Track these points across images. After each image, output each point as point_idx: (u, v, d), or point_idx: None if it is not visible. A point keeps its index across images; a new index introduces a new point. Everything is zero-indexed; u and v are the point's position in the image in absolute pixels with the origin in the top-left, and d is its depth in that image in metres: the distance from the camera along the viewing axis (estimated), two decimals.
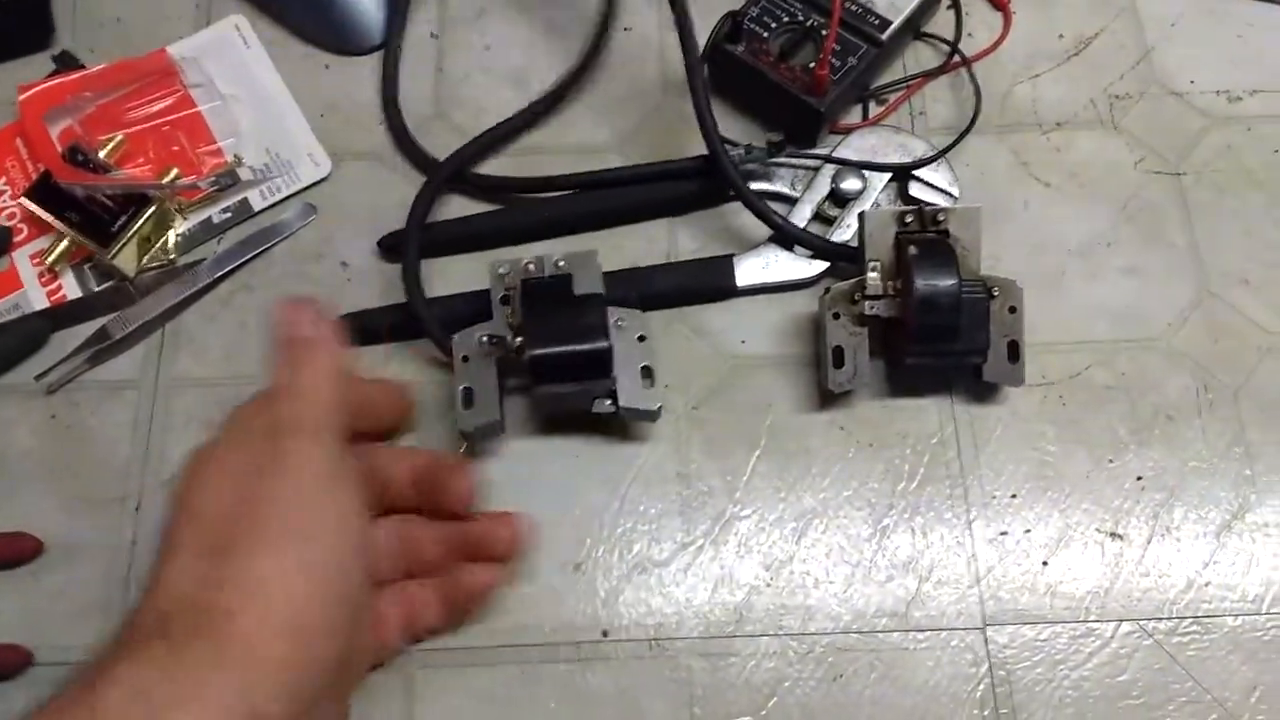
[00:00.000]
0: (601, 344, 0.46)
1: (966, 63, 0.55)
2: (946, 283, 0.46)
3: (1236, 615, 0.47)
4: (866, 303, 0.48)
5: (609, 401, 0.47)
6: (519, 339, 0.47)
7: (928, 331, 0.47)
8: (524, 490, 0.49)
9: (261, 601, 0.36)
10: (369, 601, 0.43)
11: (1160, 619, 0.47)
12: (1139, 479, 0.49)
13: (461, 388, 0.47)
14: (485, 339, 0.48)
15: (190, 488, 0.40)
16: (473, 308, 0.50)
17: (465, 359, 0.48)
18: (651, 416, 0.48)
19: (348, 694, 0.43)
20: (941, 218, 0.48)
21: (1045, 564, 0.48)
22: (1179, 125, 0.56)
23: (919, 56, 0.58)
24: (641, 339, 0.48)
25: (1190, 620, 0.47)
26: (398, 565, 0.45)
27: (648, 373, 0.48)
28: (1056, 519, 0.49)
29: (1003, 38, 0.57)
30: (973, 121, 0.54)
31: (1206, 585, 0.47)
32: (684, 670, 0.46)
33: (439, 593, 0.45)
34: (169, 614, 0.36)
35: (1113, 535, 0.48)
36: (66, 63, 0.57)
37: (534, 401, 0.49)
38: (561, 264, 0.49)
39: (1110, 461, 0.49)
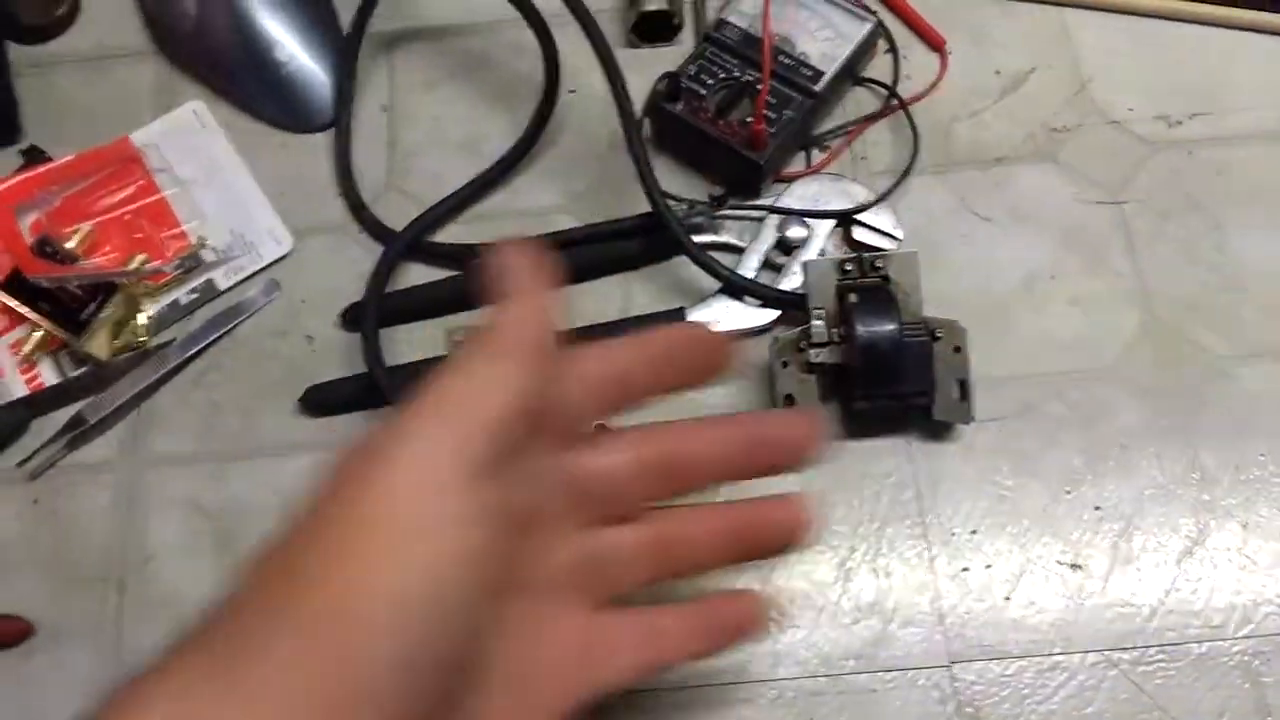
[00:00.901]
0: None
1: (904, 105, 0.57)
2: (886, 328, 0.47)
3: (1201, 641, 0.47)
4: (812, 351, 0.49)
5: None
6: None
7: (872, 376, 0.47)
8: None
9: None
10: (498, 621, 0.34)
11: (1125, 649, 0.47)
12: (1097, 509, 0.50)
13: None
14: None
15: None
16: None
17: None
18: None
19: None
20: (880, 264, 0.49)
21: (1008, 598, 0.48)
22: (1119, 154, 0.57)
23: (860, 101, 0.59)
24: None
25: (1155, 649, 0.47)
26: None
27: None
28: (1017, 553, 0.49)
29: (940, 78, 0.58)
30: (911, 164, 0.55)
31: (1170, 613, 0.48)
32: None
33: (689, 619, 0.39)
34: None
35: (1073, 566, 0.49)
36: (34, 157, 0.59)
37: None
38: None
39: (1067, 493, 0.50)
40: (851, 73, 0.57)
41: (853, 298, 0.48)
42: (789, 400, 0.49)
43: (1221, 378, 0.52)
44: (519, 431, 0.33)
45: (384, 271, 0.54)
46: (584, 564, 0.37)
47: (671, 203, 0.52)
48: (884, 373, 0.47)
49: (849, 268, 0.49)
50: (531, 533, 0.35)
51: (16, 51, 0.63)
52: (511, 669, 0.35)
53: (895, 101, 0.57)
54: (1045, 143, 0.57)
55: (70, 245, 0.55)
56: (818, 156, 0.57)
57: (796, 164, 0.57)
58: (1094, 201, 0.56)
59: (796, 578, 0.49)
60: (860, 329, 0.47)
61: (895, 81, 0.58)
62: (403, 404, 0.32)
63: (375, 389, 0.52)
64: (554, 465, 0.36)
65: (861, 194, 0.54)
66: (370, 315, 0.53)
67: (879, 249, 0.53)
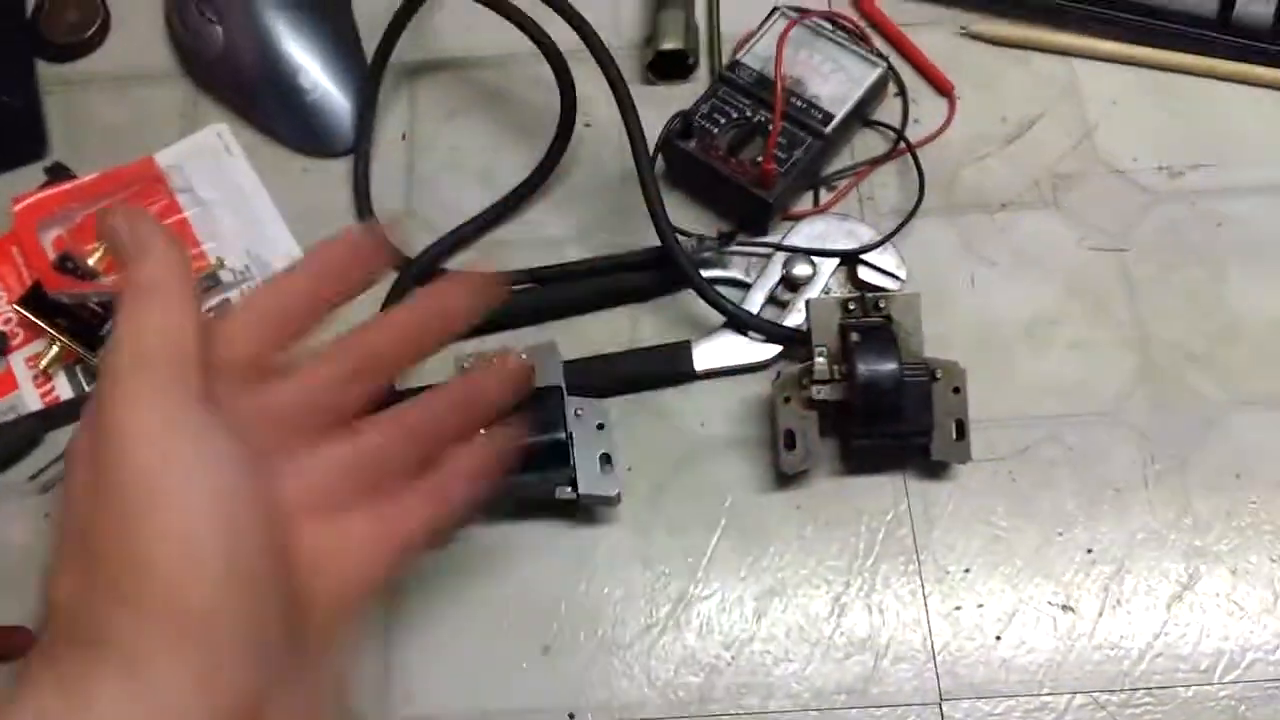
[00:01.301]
0: (559, 435, 0.48)
1: (911, 149, 0.58)
2: (887, 367, 0.48)
3: (1189, 685, 0.48)
4: (814, 387, 0.50)
5: (569, 489, 0.49)
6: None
7: (872, 414, 0.48)
8: (490, 575, 0.51)
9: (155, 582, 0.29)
10: (287, 543, 0.33)
11: (1114, 691, 0.48)
12: (1089, 551, 0.50)
13: None
14: None
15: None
16: None
17: None
18: (611, 502, 0.50)
19: (321, 649, 0.34)
20: (883, 304, 0.50)
21: (999, 638, 0.49)
22: (1122, 202, 0.58)
23: (868, 143, 0.60)
24: (600, 427, 0.50)
25: (1143, 691, 0.48)
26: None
27: (607, 459, 0.50)
28: (1009, 593, 0.50)
29: (948, 123, 0.59)
30: (916, 206, 0.56)
31: (1158, 656, 0.48)
32: None
33: (417, 494, 0.38)
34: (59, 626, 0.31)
35: (1064, 608, 0.49)
36: (58, 174, 0.60)
37: (498, 490, 0.51)
38: (524, 356, 0.52)
39: (1060, 535, 0.51)
40: (861, 115, 0.58)
41: (855, 336, 0.48)
42: (789, 436, 0.50)
43: (1217, 425, 0.53)
44: (211, 361, 0.33)
45: (397, 297, 0.55)
46: (325, 477, 0.36)
47: (680, 237, 0.53)
48: (884, 411, 0.48)
49: (852, 307, 0.50)
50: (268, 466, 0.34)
51: (45, 70, 0.64)
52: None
53: (903, 144, 0.58)
54: (1049, 189, 0.58)
55: (91, 262, 0.57)
56: (825, 196, 0.58)
57: (804, 203, 0.58)
58: (1097, 248, 0.57)
59: (791, 611, 0.50)
60: (861, 367, 0.48)
61: (904, 125, 0.59)
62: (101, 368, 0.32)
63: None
64: (253, 401, 0.35)
65: (867, 234, 0.55)
66: None
67: (882, 289, 0.54)
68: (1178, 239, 0.57)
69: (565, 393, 0.50)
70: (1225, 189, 0.58)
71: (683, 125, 0.56)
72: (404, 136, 0.62)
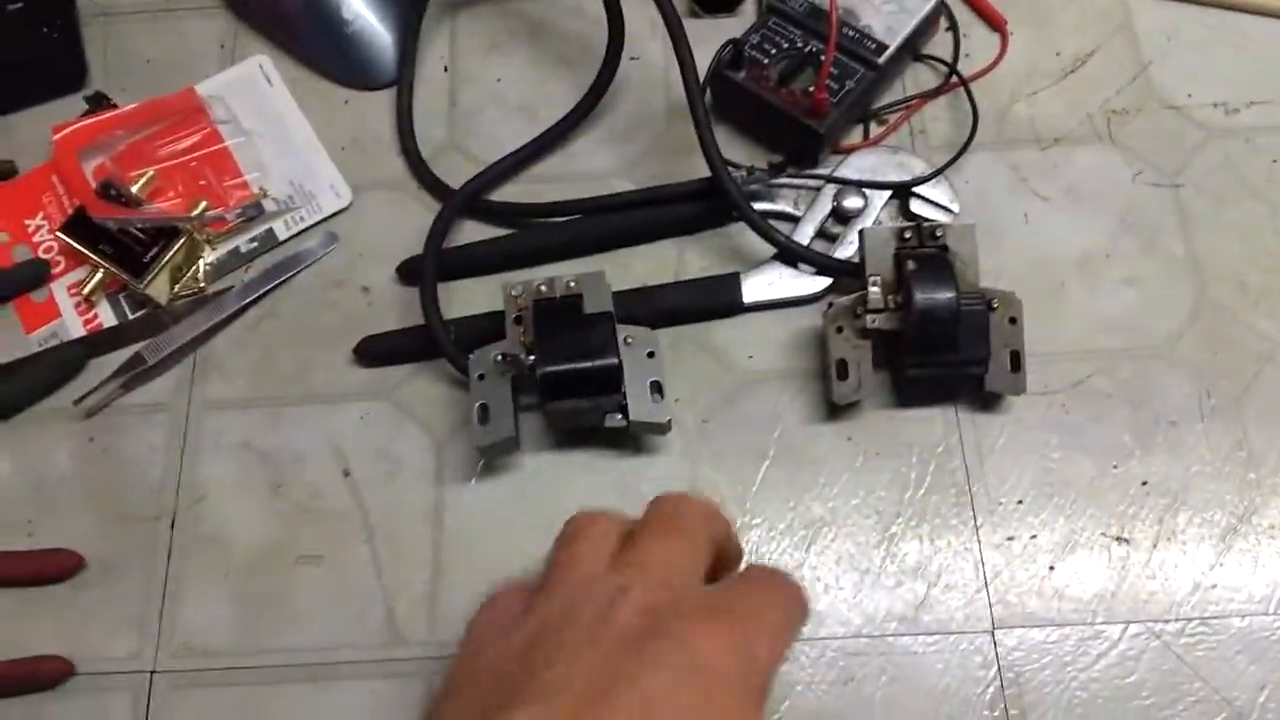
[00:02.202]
0: (610, 360, 0.48)
1: (964, 82, 0.57)
2: (944, 296, 0.47)
3: (1243, 616, 0.47)
4: (868, 317, 0.49)
5: (620, 416, 0.49)
6: (531, 357, 0.49)
7: (927, 343, 0.48)
8: (540, 504, 0.51)
9: None
10: None
11: (1168, 621, 0.47)
12: (1144, 484, 0.50)
13: (477, 405, 0.49)
14: (499, 357, 0.50)
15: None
16: (488, 328, 0.52)
17: (481, 377, 0.50)
18: (661, 430, 0.50)
19: None
20: (939, 233, 0.49)
21: (1052, 568, 0.49)
22: (1176, 138, 0.57)
23: (918, 77, 0.59)
24: (650, 355, 0.50)
25: (1198, 621, 0.47)
26: None
27: (657, 387, 0.49)
28: (1062, 524, 0.49)
29: (1000, 57, 0.58)
30: (969, 140, 0.55)
31: (1213, 587, 0.48)
32: None
33: None
34: None
35: (1119, 539, 0.49)
36: (99, 103, 0.59)
37: (548, 418, 0.51)
38: (572, 284, 0.51)
39: (1115, 468, 0.50)
40: (912, 48, 0.57)
41: (911, 265, 0.48)
42: (842, 366, 0.50)
43: (1271, 362, 0.52)
44: None
45: (442, 227, 0.55)
46: None
47: (730, 169, 0.53)
48: (939, 340, 0.48)
49: (908, 235, 0.49)
50: None
51: (84, 1, 0.64)
52: None
53: (955, 78, 0.57)
54: (1103, 124, 0.57)
55: (134, 189, 0.56)
56: (875, 130, 0.57)
57: (854, 137, 0.57)
58: (1151, 184, 0.56)
59: (841, 539, 0.50)
60: (918, 295, 0.47)
61: (955, 59, 0.58)
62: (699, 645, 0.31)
63: (429, 342, 0.53)
64: None
65: (919, 167, 0.55)
66: (429, 270, 0.53)
67: (935, 221, 0.53)
68: (1233, 175, 0.56)
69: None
70: None
71: (733, 55, 0.55)
72: (445, 69, 0.61)
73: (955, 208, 0.54)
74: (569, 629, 0.31)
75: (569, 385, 0.48)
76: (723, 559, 0.37)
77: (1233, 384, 0.52)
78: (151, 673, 0.49)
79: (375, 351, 0.54)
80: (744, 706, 0.30)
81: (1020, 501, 0.50)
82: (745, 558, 0.40)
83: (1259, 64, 0.59)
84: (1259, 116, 0.57)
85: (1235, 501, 0.49)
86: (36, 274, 0.56)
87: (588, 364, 0.48)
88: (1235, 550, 0.49)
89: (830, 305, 0.50)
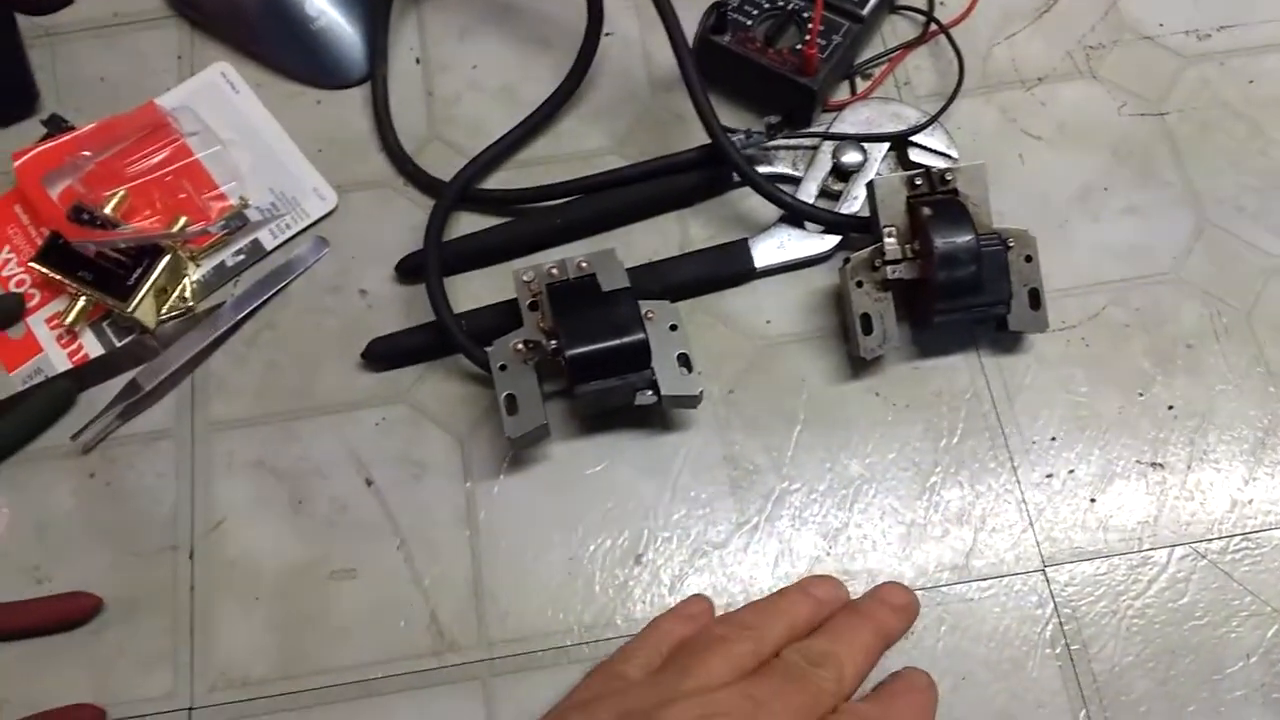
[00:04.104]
0: (638, 336, 0.47)
1: (944, 29, 0.57)
2: (964, 238, 0.47)
3: None
4: (887, 268, 0.49)
5: (650, 393, 0.48)
6: (554, 341, 0.47)
7: (952, 288, 0.48)
8: (574, 491, 0.49)
9: None
10: None
11: (1211, 539, 0.48)
12: (1170, 408, 0.50)
13: (504, 395, 0.48)
14: (521, 345, 0.48)
15: None
16: (498, 319, 0.51)
17: (503, 367, 0.48)
18: (693, 403, 0.49)
19: None
20: (950, 177, 0.49)
21: (1093, 500, 0.49)
22: (1155, 68, 0.58)
23: (896, 29, 0.59)
24: (674, 328, 0.49)
25: (1240, 537, 0.48)
26: None
27: (684, 360, 0.48)
28: (1098, 456, 0.50)
29: (975, 2, 0.58)
30: (959, 85, 0.56)
31: (1250, 502, 0.49)
32: None
33: None
34: None
35: (1154, 465, 0.49)
36: (57, 125, 0.57)
37: (574, 403, 0.50)
38: (584, 264, 0.50)
39: (1140, 395, 0.51)
40: (890, 1, 0.57)
41: (926, 211, 0.48)
42: (866, 319, 0.49)
43: (1275, 276, 0.53)
44: None
45: (440, 219, 0.53)
46: None
47: (727, 134, 0.52)
48: (963, 284, 0.47)
49: (918, 183, 0.49)
50: None
51: (26, 22, 0.60)
52: None
53: (934, 26, 0.57)
54: (1083, 60, 0.58)
55: (107, 210, 0.53)
56: (861, 85, 0.57)
57: (840, 94, 0.57)
58: (1137, 114, 0.57)
59: (882, 495, 0.49)
60: (938, 241, 0.47)
61: (932, 6, 0.58)
62: None
63: (442, 338, 0.51)
64: None
65: (914, 115, 0.55)
66: (433, 264, 0.52)
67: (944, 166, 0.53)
68: (1213, 98, 0.57)
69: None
70: (1253, 47, 0.58)
71: (717, 20, 0.54)
72: (418, 61, 0.60)
73: (954, 153, 0.54)
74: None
75: (598, 365, 0.47)
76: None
77: (1240, 301, 0.52)
78: (190, 709, 0.46)
79: (385, 353, 0.52)
80: None
81: (1054, 438, 0.50)
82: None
83: None
84: (1229, 40, 0.59)
85: (1259, 416, 0.50)
86: (11, 309, 0.53)
87: (616, 342, 0.46)
88: (1266, 464, 0.49)
89: (847, 260, 0.50)
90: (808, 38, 0.53)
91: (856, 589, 0.48)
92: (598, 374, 0.47)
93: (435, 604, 0.48)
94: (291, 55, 0.59)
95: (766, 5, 0.55)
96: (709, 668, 0.41)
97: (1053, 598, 0.47)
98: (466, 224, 0.56)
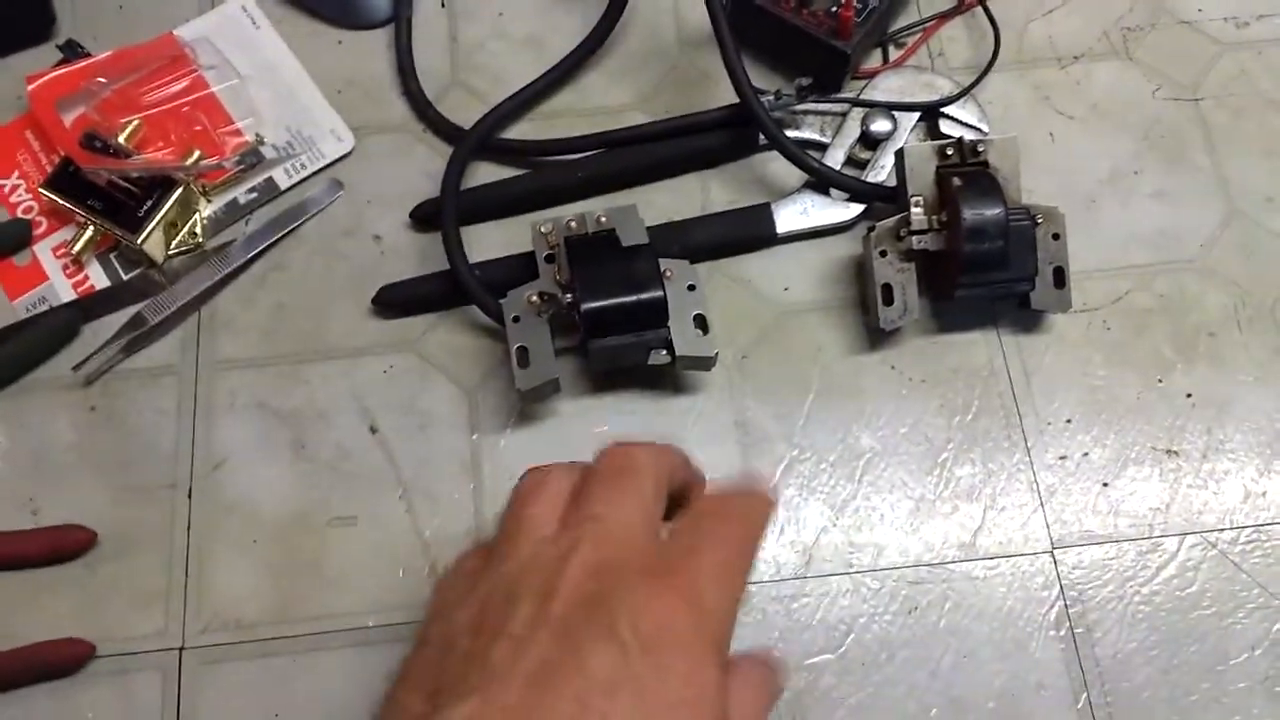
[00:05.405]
0: (656, 293, 0.46)
1: (982, 1, 0.56)
2: (993, 211, 0.46)
3: None
4: (913, 238, 0.48)
5: (664, 352, 0.47)
6: (569, 295, 0.46)
7: (977, 261, 0.47)
8: (581, 449, 0.48)
9: None
10: None
11: (1223, 530, 0.47)
12: (1189, 396, 0.50)
13: (516, 347, 0.47)
14: (536, 297, 0.47)
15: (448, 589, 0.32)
16: (512, 271, 0.50)
17: (516, 319, 0.47)
18: (708, 364, 0.48)
19: None
20: (981, 149, 0.48)
21: (1105, 485, 0.48)
22: (1191, 52, 0.57)
23: None
24: (692, 288, 0.48)
25: (1251, 529, 0.48)
26: None
27: (700, 321, 0.48)
28: (1113, 440, 0.49)
29: None
30: (994, 57, 0.55)
31: (1264, 494, 0.48)
32: (759, 614, 0.46)
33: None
34: None
35: (1169, 452, 0.49)
36: (73, 51, 0.55)
37: (588, 359, 0.49)
38: (603, 219, 0.49)
39: (1159, 381, 0.50)
40: None
41: (956, 181, 0.47)
42: (887, 290, 0.49)
43: None
44: None
45: (458, 167, 0.52)
46: None
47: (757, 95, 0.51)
48: (989, 258, 0.47)
49: (949, 153, 0.48)
50: None
51: None
52: None
53: None
54: (1119, 41, 0.57)
55: (120, 139, 0.52)
56: (894, 54, 0.56)
57: (872, 62, 0.56)
58: (1171, 99, 0.56)
59: (893, 468, 0.49)
60: (967, 212, 0.46)
61: None
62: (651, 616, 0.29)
63: (455, 287, 0.50)
64: None
65: (946, 87, 0.54)
66: (449, 212, 0.51)
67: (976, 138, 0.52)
68: (1249, 87, 0.56)
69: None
70: None
71: None
72: (443, 4, 0.58)
73: (985, 127, 0.53)
74: (518, 600, 0.30)
75: (613, 321, 0.46)
76: (684, 489, 0.36)
77: (1266, 291, 0.52)
78: (180, 649, 0.46)
79: (396, 300, 0.51)
80: (697, 669, 0.29)
81: (1069, 420, 0.49)
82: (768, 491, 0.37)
83: None
84: (1268, 29, 0.58)
85: (1278, 409, 0.49)
86: (18, 235, 0.52)
87: (633, 298, 0.46)
88: None
89: (872, 229, 0.49)
90: (844, 0, 0.51)
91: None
92: (613, 329, 0.46)
93: (435, 555, 0.47)
94: None
95: None
96: (536, 509, 0.34)
97: (1059, 580, 0.47)
98: (485, 174, 0.55)
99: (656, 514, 0.33)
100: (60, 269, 0.52)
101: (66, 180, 0.51)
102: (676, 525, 0.34)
